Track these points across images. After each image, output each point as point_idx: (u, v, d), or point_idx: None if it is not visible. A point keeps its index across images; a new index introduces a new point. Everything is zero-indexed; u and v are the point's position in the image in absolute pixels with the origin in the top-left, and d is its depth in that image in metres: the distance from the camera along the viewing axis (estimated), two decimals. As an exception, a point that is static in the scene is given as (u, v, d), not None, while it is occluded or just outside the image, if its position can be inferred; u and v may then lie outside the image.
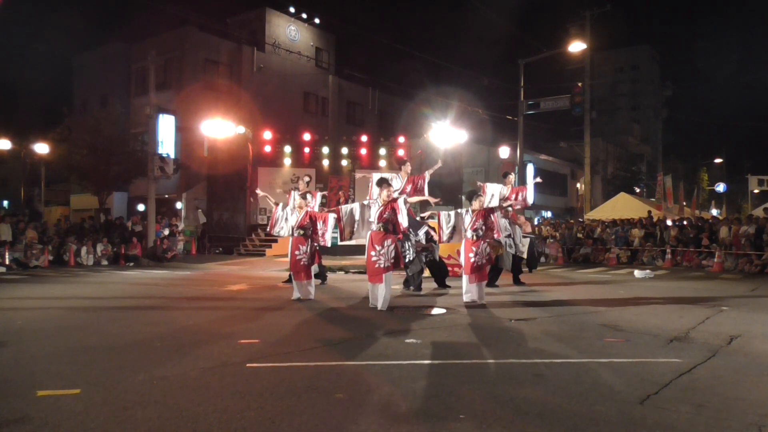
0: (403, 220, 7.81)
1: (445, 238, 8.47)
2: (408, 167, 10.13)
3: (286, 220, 8.97)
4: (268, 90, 28.03)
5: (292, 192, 10.34)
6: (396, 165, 10.79)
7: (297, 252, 8.60)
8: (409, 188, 9.90)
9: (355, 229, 8.16)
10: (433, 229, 11.52)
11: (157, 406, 3.49)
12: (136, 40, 27.72)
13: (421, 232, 9.64)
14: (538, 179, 11.04)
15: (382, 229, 7.58)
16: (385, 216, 7.62)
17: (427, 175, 9.98)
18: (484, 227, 8.13)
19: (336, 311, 7.68)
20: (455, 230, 8.36)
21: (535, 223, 25.13)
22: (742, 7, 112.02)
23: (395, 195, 8.96)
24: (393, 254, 7.52)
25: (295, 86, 30.05)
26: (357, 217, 8.11)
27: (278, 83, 28.74)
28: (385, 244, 7.50)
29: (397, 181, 9.80)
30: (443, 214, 8.50)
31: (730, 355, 5.01)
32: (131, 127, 24.58)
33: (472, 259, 8.01)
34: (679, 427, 3.22)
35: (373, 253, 7.51)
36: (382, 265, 7.44)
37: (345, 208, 8.29)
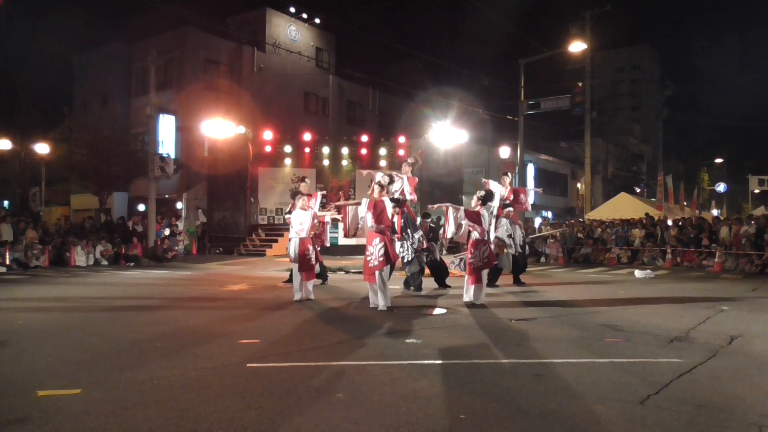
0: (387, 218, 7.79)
1: (449, 233, 8.46)
2: (406, 166, 10.02)
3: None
4: (269, 90, 28.02)
5: (318, 193, 10.42)
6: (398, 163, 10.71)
7: (307, 252, 8.61)
8: (407, 188, 9.88)
9: (359, 227, 8.21)
10: (433, 229, 11.53)
11: (157, 406, 3.49)
12: (136, 40, 27.71)
13: (417, 235, 9.62)
14: (539, 190, 11.13)
15: (375, 230, 7.60)
16: (371, 211, 7.63)
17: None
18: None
19: (336, 311, 7.68)
20: (460, 227, 8.35)
21: (536, 224, 25.11)
22: (743, 7, 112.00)
23: (392, 195, 9.00)
24: (382, 252, 7.50)
25: (295, 86, 30.05)
26: (361, 214, 8.15)
27: (278, 83, 28.73)
28: (374, 243, 7.52)
29: (398, 183, 9.78)
30: (452, 208, 8.47)
31: (731, 355, 5.01)
32: (131, 127, 24.57)
33: (471, 260, 8.01)
34: (679, 427, 3.22)
35: (367, 252, 7.58)
36: (372, 264, 7.47)
37: (351, 208, 8.32)
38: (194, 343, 5.34)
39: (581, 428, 3.18)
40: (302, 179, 11.03)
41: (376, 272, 7.45)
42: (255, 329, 6.19)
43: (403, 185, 9.75)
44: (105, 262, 17.19)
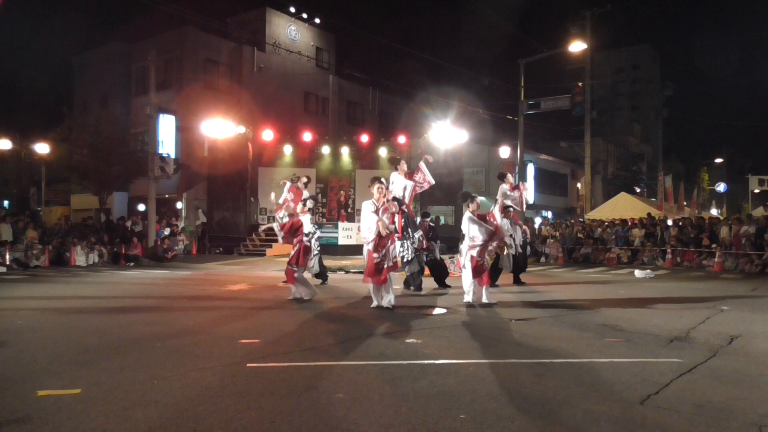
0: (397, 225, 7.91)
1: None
2: (404, 165, 9.95)
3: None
4: (269, 90, 28.03)
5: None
6: (391, 165, 10.53)
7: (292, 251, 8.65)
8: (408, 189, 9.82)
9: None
10: (433, 228, 11.52)
11: (157, 406, 3.48)
12: (136, 40, 27.75)
13: (417, 234, 9.60)
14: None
15: (387, 231, 7.57)
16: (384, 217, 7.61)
17: (422, 166, 9.87)
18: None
19: (336, 311, 7.67)
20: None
21: (536, 225, 25.12)
22: (743, 7, 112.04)
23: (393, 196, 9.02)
24: (394, 254, 7.54)
25: (295, 86, 30.05)
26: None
27: (278, 83, 28.74)
28: (386, 245, 7.51)
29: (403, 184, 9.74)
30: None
31: (731, 355, 5.01)
32: (131, 127, 24.59)
33: (478, 260, 8.02)
34: (679, 427, 3.22)
35: (375, 255, 7.51)
36: (385, 266, 7.45)
37: (364, 213, 8.28)
38: (194, 343, 5.34)
39: (581, 428, 3.18)
40: (299, 178, 11.10)
41: (388, 274, 7.48)
42: (255, 329, 6.19)
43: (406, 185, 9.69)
44: (102, 266, 17.16)
